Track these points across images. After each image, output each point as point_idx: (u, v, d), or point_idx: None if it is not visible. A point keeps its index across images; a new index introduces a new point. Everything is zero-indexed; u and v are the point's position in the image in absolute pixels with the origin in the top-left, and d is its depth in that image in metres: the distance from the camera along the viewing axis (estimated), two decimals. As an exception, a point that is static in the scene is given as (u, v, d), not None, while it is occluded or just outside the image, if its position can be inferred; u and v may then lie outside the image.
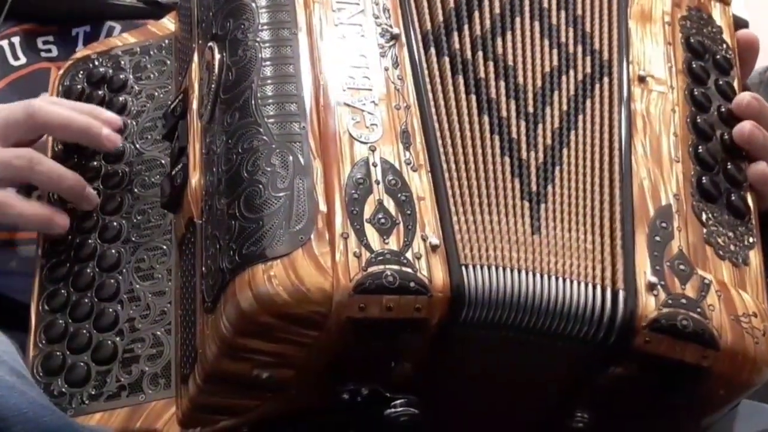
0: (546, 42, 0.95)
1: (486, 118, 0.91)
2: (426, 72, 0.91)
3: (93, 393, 0.93)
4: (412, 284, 0.81)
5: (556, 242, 0.86)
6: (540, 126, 0.91)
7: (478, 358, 0.86)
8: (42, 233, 1.04)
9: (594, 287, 0.85)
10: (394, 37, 0.92)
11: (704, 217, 0.91)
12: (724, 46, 1.02)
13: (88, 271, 0.99)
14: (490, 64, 0.93)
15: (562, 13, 0.97)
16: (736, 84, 1.00)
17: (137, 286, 0.97)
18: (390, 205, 0.83)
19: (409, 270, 0.81)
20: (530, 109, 0.92)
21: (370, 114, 0.87)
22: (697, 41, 1.00)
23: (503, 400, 0.90)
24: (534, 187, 0.89)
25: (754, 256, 0.92)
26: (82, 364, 0.94)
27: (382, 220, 0.82)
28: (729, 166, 0.95)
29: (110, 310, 0.96)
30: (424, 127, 0.88)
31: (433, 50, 0.93)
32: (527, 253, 0.85)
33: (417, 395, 0.84)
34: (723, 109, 0.97)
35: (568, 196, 0.89)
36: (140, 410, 0.91)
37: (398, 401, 0.83)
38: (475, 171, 0.88)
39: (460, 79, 0.92)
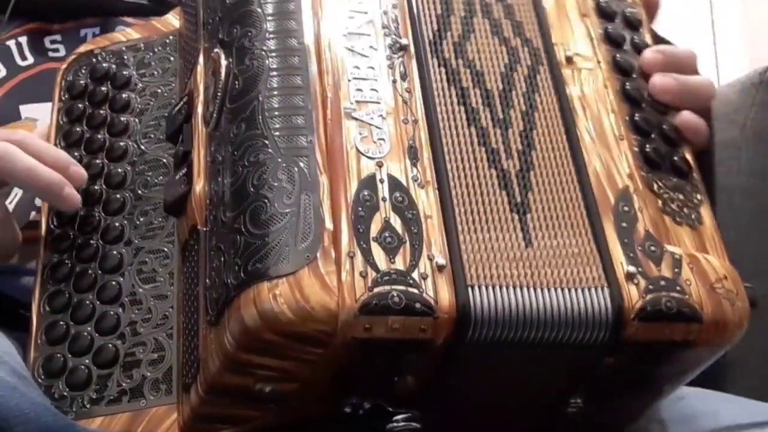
0: (496, 40, 0.94)
1: (473, 129, 0.89)
2: (434, 84, 0.90)
3: (94, 397, 0.92)
4: (417, 305, 0.80)
5: (547, 252, 0.85)
6: (510, 131, 0.90)
7: (483, 375, 0.86)
8: (43, 235, 1.03)
9: (590, 290, 0.85)
10: (403, 48, 0.91)
11: (656, 187, 0.90)
12: (630, 1, 1.00)
13: (90, 272, 0.98)
14: (468, 71, 0.91)
15: (500, 5, 0.95)
16: (648, 38, 0.99)
17: (139, 289, 0.96)
18: (397, 223, 0.82)
19: (415, 291, 0.80)
20: (500, 115, 0.90)
21: (377, 128, 0.86)
22: (605, 4, 0.99)
23: (507, 410, 0.90)
24: (518, 198, 0.87)
25: (705, 213, 0.91)
26: (83, 367, 0.94)
27: (389, 239, 0.82)
28: (664, 127, 0.94)
29: (112, 312, 0.95)
30: (432, 142, 0.87)
31: (435, 60, 0.91)
32: (525, 268, 0.84)
33: (419, 410, 0.83)
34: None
35: (546, 201, 0.88)
36: (141, 416, 0.91)
37: (400, 416, 0.83)
38: (473, 186, 0.87)
39: (453, 89, 0.90)
